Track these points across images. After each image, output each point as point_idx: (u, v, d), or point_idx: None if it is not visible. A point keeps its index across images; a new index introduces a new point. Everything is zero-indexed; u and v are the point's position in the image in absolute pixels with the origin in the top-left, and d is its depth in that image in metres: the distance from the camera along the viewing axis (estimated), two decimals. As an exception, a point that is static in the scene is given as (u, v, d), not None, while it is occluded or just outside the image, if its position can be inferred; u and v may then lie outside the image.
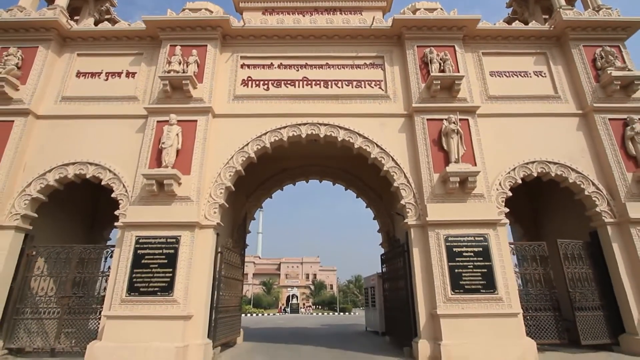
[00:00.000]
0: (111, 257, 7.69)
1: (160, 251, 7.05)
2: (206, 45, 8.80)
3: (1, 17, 8.87)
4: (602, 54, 8.75)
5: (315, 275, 65.95)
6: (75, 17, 10.47)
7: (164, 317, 6.63)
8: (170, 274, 6.88)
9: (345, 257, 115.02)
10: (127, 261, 7.00)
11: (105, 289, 7.57)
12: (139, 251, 7.06)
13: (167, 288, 6.79)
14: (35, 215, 7.90)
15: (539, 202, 10.67)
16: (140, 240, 7.14)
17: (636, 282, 7.20)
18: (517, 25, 9.46)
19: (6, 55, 8.55)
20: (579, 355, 6.91)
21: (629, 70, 8.40)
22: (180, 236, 7.15)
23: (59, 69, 8.97)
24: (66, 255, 7.94)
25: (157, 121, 8.07)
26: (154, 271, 6.91)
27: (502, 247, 7.23)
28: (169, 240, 7.13)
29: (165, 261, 6.97)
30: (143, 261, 6.99)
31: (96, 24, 10.59)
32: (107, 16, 11.05)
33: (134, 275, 6.89)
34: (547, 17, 10.53)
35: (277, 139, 8.23)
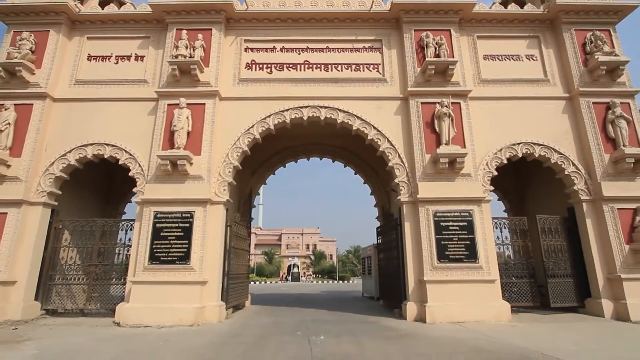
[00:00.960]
0: (131, 229, 8.52)
1: (177, 225, 7.83)
2: (211, 29, 9.13)
3: (12, 1, 9.12)
4: (592, 38, 9.08)
5: (315, 245, 67.96)
6: (80, -3, 10.66)
7: (182, 283, 7.51)
8: (187, 245, 7.69)
9: (345, 228, 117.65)
10: (147, 234, 7.78)
11: (126, 257, 8.48)
12: (157, 225, 7.84)
13: (185, 257, 7.63)
14: (60, 192, 8.62)
15: (525, 179, 11.35)
16: (158, 215, 7.89)
17: (604, 254, 8.02)
18: (512, 8, 9.69)
19: (20, 40, 8.92)
20: (548, 316, 7.85)
21: (615, 55, 8.78)
22: (194, 211, 7.90)
23: (70, 52, 9.36)
24: (90, 228, 8.75)
25: (168, 104, 8.59)
26: (172, 242, 7.72)
27: (485, 222, 7.99)
28: (184, 215, 7.89)
29: (182, 234, 7.77)
30: (162, 234, 7.78)
31: (101, 4, 10.83)
32: (110, -5, 11.23)
33: (154, 246, 7.71)
34: (544, -4, 10.69)
35: (280, 121, 8.78)
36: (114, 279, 8.86)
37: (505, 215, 11.79)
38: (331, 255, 63.77)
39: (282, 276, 47.87)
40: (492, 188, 8.50)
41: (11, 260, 7.73)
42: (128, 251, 8.47)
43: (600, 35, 9.03)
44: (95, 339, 5.92)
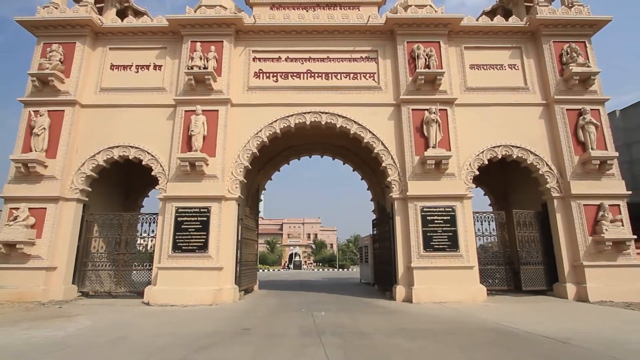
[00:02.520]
0: (152, 222, 9.67)
1: (196, 218, 8.94)
2: (222, 41, 10.07)
3: (42, 15, 10.04)
4: (568, 50, 10.00)
5: (316, 235, 69.51)
6: (98, 5, 11.49)
7: (202, 268, 8.65)
8: (205, 236, 8.81)
9: (346, 218, 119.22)
10: (170, 226, 8.90)
11: (150, 247, 9.64)
12: (178, 218, 8.95)
13: (203, 247, 8.76)
14: (90, 189, 9.71)
15: (508, 177, 12.39)
16: (179, 210, 9.00)
17: (571, 244, 9.13)
18: (497, 20, 10.56)
19: (50, 52, 9.88)
20: (519, 298, 9.01)
21: (588, 66, 9.72)
22: (210, 207, 9.00)
23: (94, 62, 10.32)
24: (117, 220, 9.88)
25: (185, 110, 9.60)
26: (192, 234, 8.84)
27: (466, 216, 9.08)
28: (201, 210, 8.99)
29: (200, 226, 8.88)
30: (182, 226, 8.90)
31: (118, 13, 11.74)
32: (126, 4, 12.12)
33: (176, 236, 8.83)
34: (529, 4, 11.50)
35: (285, 125, 9.80)
36: (139, 265, 10.05)
37: (491, 209, 12.88)
38: (332, 244, 65.30)
39: (284, 264, 49.43)
40: (474, 186, 9.58)
41: (52, 249, 8.88)
42: (152, 241, 9.61)
43: (576, 47, 9.95)
44: (133, 314, 7.08)
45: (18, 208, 8.86)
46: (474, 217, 9.51)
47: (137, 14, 12.33)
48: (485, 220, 10.05)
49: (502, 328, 5.49)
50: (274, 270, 39.08)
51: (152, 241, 9.62)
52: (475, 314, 6.79)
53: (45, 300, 8.51)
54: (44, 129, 9.37)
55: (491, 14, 12.52)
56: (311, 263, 54.57)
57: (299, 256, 54.47)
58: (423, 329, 5.45)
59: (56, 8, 10.28)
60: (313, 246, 61.07)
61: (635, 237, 8.79)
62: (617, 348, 4.14)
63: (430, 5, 10.44)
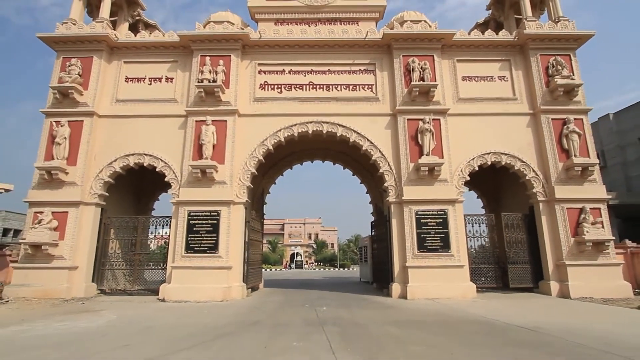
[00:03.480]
0: (165, 225, 10.40)
1: (207, 221, 9.65)
2: (230, 55, 10.77)
3: (61, 32, 10.76)
4: (554, 62, 10.67)
5: (317, 234, 70.22)
6: (112, 19, 12.19)
7: (213, 268, 9.36)
8: (215, 238, 9.52)
9: (347, 218, 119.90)
10: (183, 228, 9.61)
11: (163, 247, 10.34)
12: (191, 221, 9.66)
13: (214, 247, 9.47)
14: (107, 194, 10.42)
15: (499, 181, 13.06)
16: (191, 214, 9.71)
17: (555, 245, 9.81)
18: (488, 35, 11.23)
19: (69, 66, 10.59)
20: (506, 295, 9.70)
21: (572, 79, 10.40)
22: (220, 210, 9.71)
23: (110, 74, 11.04)
24: (133, 223, 10.61)
25: (195, 120, 10.31)
26: (203, 236, 9.55)
27: (457, 219, 9.77)
28: (212, 213, 9.70)
29: (211, 228, 9.59)
30: (194, 228, 9.61)
31: (130, 27, 12.48)
32: (137, 18, 12.85)
33: (189, 238, 9.54)
34: (519, 16, 12.12)
35: (289, 134, 10.50)
36: (153, 265, 10.78)
37: (484, 211, 13.57)
38: (332, 244, 65.99)
39: (286, 264, 50.15)
40: (465, 191, 10.28)
41: (73, 250, 9.60)
42: (166, 243, 10.33)
43: (561, 60, 10.61)
44: (152, 309, 7.80)
45: (42, 212, 9.58)
46: (465, 220, 10.21)
47: (148, 26, 13.09)
48: (476, 223, 10.75)
49: (484, 320, 6.19)
50: (276, 269, 39.80)
51: (165, 242, 10.32)
52: (463, 309, 7.48)
53: (68, 297, 9.23)
54: (65, 138, 10.09)
55: (484, 25, 13.24)
56: (312, 263, 55.31)
57: (301, 256, 55.16)
58: (413, 321, 6.15)
59: (74, 24, 11.00)
60: (314, 246, 61.79)
61: (613, 238, 9.48)
62: (576, 335, 4.83)
63: (425, 21, 11.14)
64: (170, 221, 10.03)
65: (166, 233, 10.30)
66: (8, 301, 8.66)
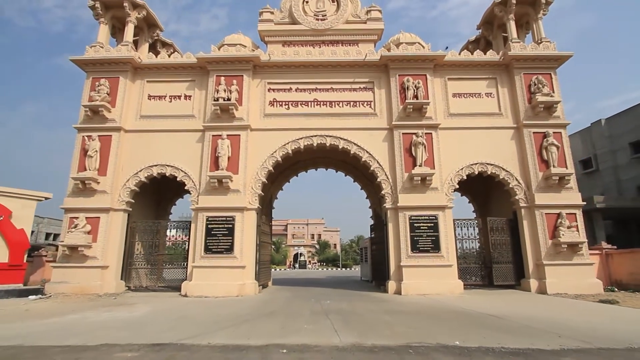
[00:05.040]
0: (186, 228, 11.59)
1: (223, 226, 10.84)
2: (242, 75, 11.96)
3: (91, 55, 11.98)
4: (536, 81, 11.77)
5: (320, 235, 71.35)
6: (134, 38, 13.39)
7: (228, 267, 10.55)
8: (230, 240, 10.71)
9: (349, 219, 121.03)
10: (202, 232, 10.80)
11: (183, 249, 11.53)
12: (209, 226, 10.85)
13: (229, 249, 10.66)
14: (133, 200, 11.63)
15: (488, 188, 14.16)
16: (209, 219, 10.90)
17: (535, 246, 10.91)
18: (476, 56, 12.34)
19: (98, 86, 11.82)
20: (491, 291, 10.81)
21: (551, 96, 11.49)
22: (235, 216, 10.89)
23: (134, 93, 12.25)
24: (155, 227, 11.83)
25: (212, 135, 11.50)
26: (220, 239, 10.74)
27: (447, 223, 10.89)
28: (227, 218, 10.89)
29: (227, 232, 10.78)
30: (212, 232, 10.81)
31: (150, 46, 13.69)
32: (156, 38, 14.08)
33: (207, 240, 10.74)
34: (506, 34, 13.18)
35: (296, 147, 11.67)
36: (172, 265, 11.99)
37: (475, 214, 14.68)
38: (335, 244, 67.15)
39: (289, 264, 51.34)
40: (454, 198, 11.38)
41: (105, 251, 10.82)
42: (186, 245, 11.53)
43: (542, 79, 11.72)
44: (178, 303, 8.98)
45: (77, 217, 10.81)
46: (455, 224, 11.36)
47: (165, 45, 14.34)
48: (465, 226, 11.89)
49: (463, 310, 7.32)
50: (280, 269, 41.01)
51: (186, 245, 11.52)
52: (449, 302, 8.61)
53: (101, 293, 10.44)
54: (96, 151, 11.31)
55: (475, 43, 14.39)
56: (315, 263, 56.52)
57: (304, 256, 56.43)
58: (403, 310, 7.30)
59: (102, 47, 12.23)
60: (317, 246, 62.97)
61: (585, 240, 10.57)
62: (529, 320, 5.96)
63: (419, 43, 12.28)
64: (190, 225, 11.24)
65: (186, 235, 11.50)
66: (50, 296, 9.88)
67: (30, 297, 9.55)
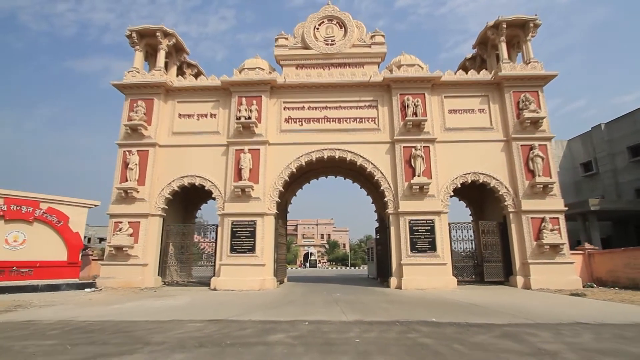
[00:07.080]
0: (213, 231, 13.27)
1: (246, 229, 12.47)
2: (261, 96, 13.58)
3: (129, 79, 13.74)
4: (524, 98, 13.10)
5: (329, 235, 72.91)
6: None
7: (251, 265, 12.18)
8: (253, 242, 12.34)
9: (358, 219, 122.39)
10: (227, 235, 12.45)
11: (208, 249, 13.22)
12: (233, 229, 12.50)
13: (252, 249, 12.29)
14: (167, 207, 13.35)
15: (482, 193, 15.51)
16: (234, 223, 12.55)
17: (521, 247, 12.27)
18: (470, 76, 13.72)
19: (136, 107, 13.57)
20: (482, 286, 12.21)
21: (537, 112, 12.81)
22: (256, 220, 12.52)
23: (167, 112, 13.98)
24: (186, 230, 13.54)
25: (235, 149, 13.14)
26: (243, 240, 12.38)
27: (442, 226, 12.33)
28: (249, 223, 12.52)
29: (249, 234, 12.41)
30: (236, 235, 12.45)
31: (178, 69, 15.42)
32: (182, 60, 15.81)
33: (232, 242, 12.38)
34: (499, 53, 14.48)
35: (309, 159, 13.24)
36: (204, 263, 13.69)
37: (471, 217, 16.04)
38: (344, 244, 68.63)
39: (300, 263, 53.03)
40: (450, 203, 12.81)
41: (144, 251, 12.55)
42: (201, 245, 13.21)
43: (529, 97, 13.04)
44: (211, 295, 10.61)
45: (121, 222, 12.57)
46: (450, 227, 12.78)
47: (190, 65, 16.07)
48: (460, 229, 13.30)
49: (452, 301, 8.77)
50: (291, 268, 42.70)
51: (212, 245, 13.21)
52: (442, 295, 10.05)
53: (142, 287, 12.17)
54: (136, 164, 13.06)
55: (472, 60, 15.77)
56: (325, 262, 58.11)
57: (314, 255, 58.06)
58: (400, 301, 8.79)
59: (138, 72, 13.99)
60: (326, 246, 64.56)
61: (565, 242, 11.88)
62: (503, 307, 7.39)
63: (419, 64, 13.73)
64: (216, 228, 12.91)
65: (214, 237, 13.18)
66: (102, 289, 11.65)
67: (86, 289, 11.32)
